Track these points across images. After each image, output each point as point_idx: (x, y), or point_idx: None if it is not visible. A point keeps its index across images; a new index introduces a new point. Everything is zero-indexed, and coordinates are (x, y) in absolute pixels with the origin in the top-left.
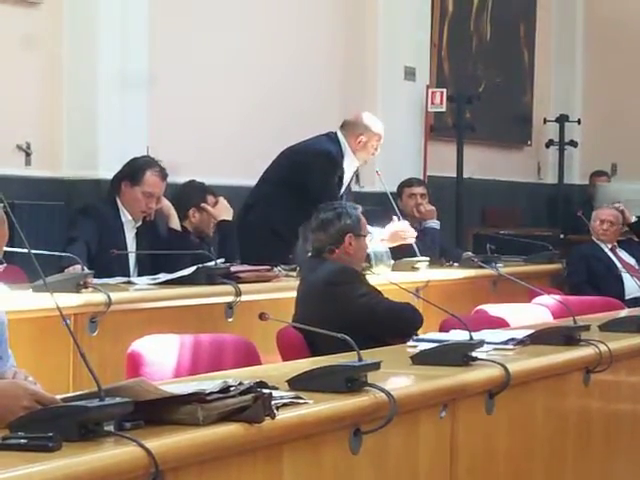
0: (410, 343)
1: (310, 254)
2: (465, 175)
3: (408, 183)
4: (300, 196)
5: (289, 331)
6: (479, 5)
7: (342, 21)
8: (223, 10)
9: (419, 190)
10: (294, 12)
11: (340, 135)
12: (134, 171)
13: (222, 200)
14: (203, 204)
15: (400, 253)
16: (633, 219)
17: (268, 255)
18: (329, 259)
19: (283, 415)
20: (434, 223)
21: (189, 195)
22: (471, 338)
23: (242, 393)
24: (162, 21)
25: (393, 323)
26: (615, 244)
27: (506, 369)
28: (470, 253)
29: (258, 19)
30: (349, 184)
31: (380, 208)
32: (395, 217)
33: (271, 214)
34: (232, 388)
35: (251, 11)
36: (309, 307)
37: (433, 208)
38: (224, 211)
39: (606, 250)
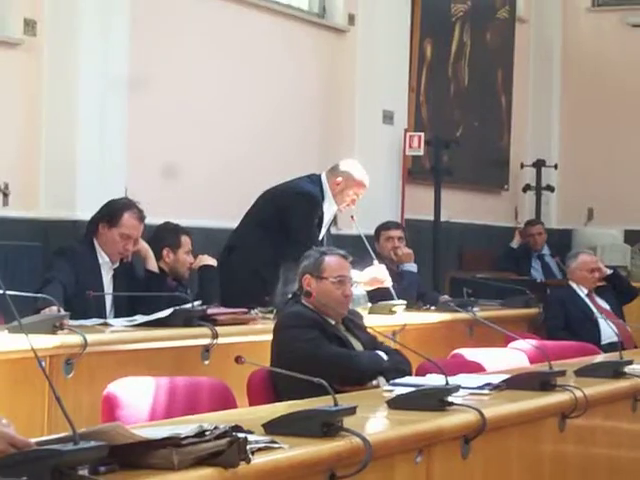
0: (386, 387)
1: (289, 297)
2: (442, 219)
3: (385, 226)
4: (281, 238)
5: (260, 375)
6: (457, 51)
7: (322, 65)
8: (204, 55)
9: (396, 233)
10: (276, 56)
11: (323, 177)
12: (112, 213)
13: (201, 256)
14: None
15: (377, 296)
16: (608, 272)
17: (249, 297)
18: (304, 303)
19: (258, 460)
20: (411, 266)
21: (162, 236)
22: (447, 383)
23: (217, 437)
24: (143, 63)
25: (334, 371)
26: (591, 289)
27: (482, 414)
28: (447, 297)
29: (240, 65)
30: (329, 227)
31: (356, 251)
32: (375, 261)
33: (253, 256)
34: (207, 432)
35: (233, 57)
36: (272, 351)
37: (410, 251)
38: (206, 259)
39: (582, 295)
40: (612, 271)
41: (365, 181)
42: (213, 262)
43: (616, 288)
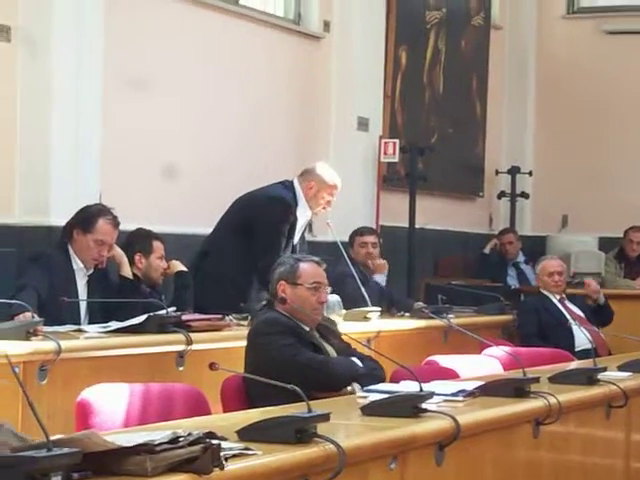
0: (360, 394)
1: (263, 304)
2: (417, 225)
3: (359, 232)
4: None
5: (234, 381)
6: (432, 57)
7: (297, 71)
8: (179, 61)
9: (370, 239)
10: (248, 61)
11: (296, 183)
12: (86, 219)
13: (173, 262)
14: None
15: (351, 303)
16: (602, 300)
17: (222, 303)
18: (278, 309)
19: (232, 466)
20: (380, 277)
21: (134, 241)
22: (421, 389)
23: (191, 444)
24: (117, 69)
25: (310, 377)
26: (564, 295)
27: (456, 421)
28: (421, 303)
29: (215, 71)
30: (303, 233)
31: (332, 258)
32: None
33: (226, 261)
34: (181, 438)
35: (208, 63)
36: (246, 357)
37: (384, 262)
38: (178, 265)
39: (555, 302)
40: (604, 300)
41: (337, 182)
42: (184, 268)
43: (597, 314)
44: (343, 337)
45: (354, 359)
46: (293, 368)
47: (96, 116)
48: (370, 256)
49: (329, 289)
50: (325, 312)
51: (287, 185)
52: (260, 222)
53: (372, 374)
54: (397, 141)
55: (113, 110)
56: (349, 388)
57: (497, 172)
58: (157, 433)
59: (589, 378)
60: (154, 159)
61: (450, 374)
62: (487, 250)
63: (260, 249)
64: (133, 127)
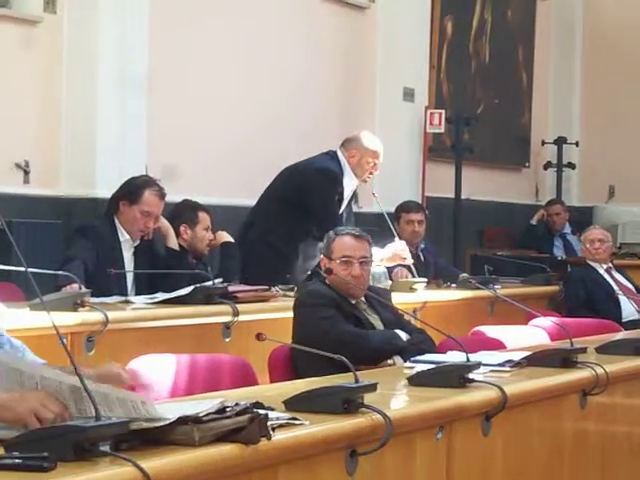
0: (407, 364)
1: (308, 274)
2: (463, 196)
3: (406, 208)
4: (301, 214)
5: (282, 352)
6: (478, 28)
7: (342, 42)
8: (222, 35)
9: (417, 217)
10: (295, 33)
11: (339, 153)
12: (132, 190)
13: (220, 232)
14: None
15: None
16: None
17: (268, 273)
18: (326, 281)
19: (279, 436)
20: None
21: (180, 213)
22: (468, 360)
23: (238, 414)
24: (162, 43)
25: (344, 350)
26: (610, 265)
27: (503, 391)
28: (467, 274)
29: (259, 40)
30: (349, 203)
31: (378, 229)
32: (396, 238)
33: (272, 232)
34: (228, 409)
35: (252, 36)
36: (293, 328)
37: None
38: (225, 236)
39: (602, 272)
40: None
41: (379, 147)
42: (231, 239)
43: None
44: (397, 309)
45: (398, 332)
46: (329, 340)
47: (142, 88)
48: (416, 235)
49: (375, 260)
50: (371, 283)
51: (332, 155)
52: (311, 194)
53: (418, 347)
54: (443, 112)
55: (159, 82)
56: (389, 361)
57: (543, 142)
58: (205, 403)
59: (636, 348)
60: (200, 131)
61: (497, 344)
62: (534, 221)
63: (318, 220)
64: (178, 101)
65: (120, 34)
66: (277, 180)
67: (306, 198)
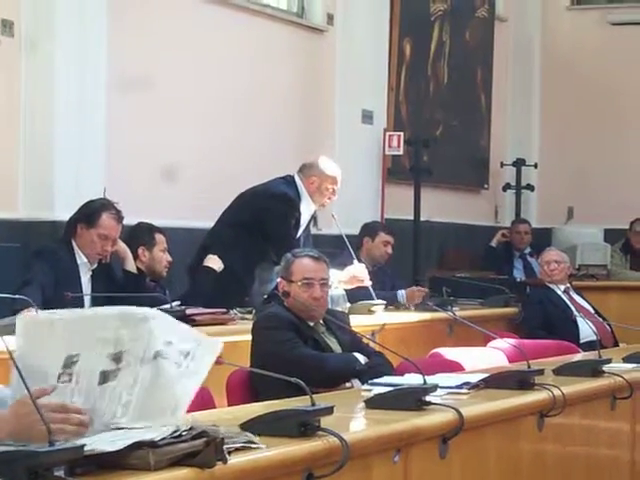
0: (365, 387)
1: (265, 298)
2: (422, 218)
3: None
4: (257, 238)
5: (240, 375)
6: (436, 50)
7: (300, 64)
8: (181, 55)
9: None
10: (253, 55)
11: (297, 178)
12: (89, 213)
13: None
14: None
15: (356, 296)
16: None
17: (225, 296)
18: (284, 303)
19: (235, 460)
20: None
21: (137, 235)
22: (425, 382)
23: (194, 437)
24: (120, 63)
25: (306, 372)
26: (569, 286)
27: (460, 413)
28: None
29: (217, 64)
30: (307, 227)
31: (337, 250)
32: (355, 260)
33: (228, 256)
34: (184, 432)
35: (210, 56)
36: (251, 351)
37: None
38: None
39: (560, 293)
40: None
41: (338, 173)
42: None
43: None
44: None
45: (356, 355)
46: (289, 363)
47: (100, 111)
48: (389, 256)
49: (333, 282)
50: (330, 306)
51: (289, 180)
52: (267, 219)
53: (375, 370)
54: (402, 134)
55: (116, 106)
56: (347, 384)
57: (502, 164)
58: (160, 427)
59: (594, 370)
60: (157, 154)
61: (455, 367)
62: (493, 243)
63: (275, 245)
64: (136, 123)
65: (79, 57)
66: (234, 204)
67: (263, 223)
